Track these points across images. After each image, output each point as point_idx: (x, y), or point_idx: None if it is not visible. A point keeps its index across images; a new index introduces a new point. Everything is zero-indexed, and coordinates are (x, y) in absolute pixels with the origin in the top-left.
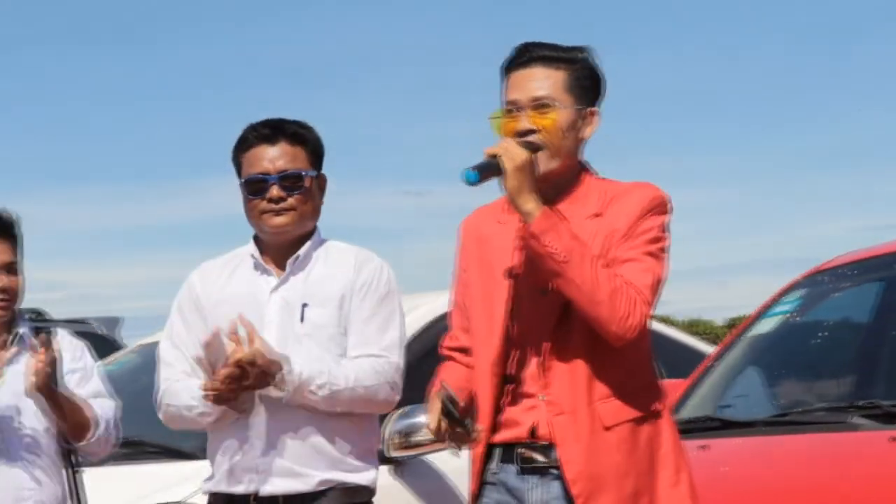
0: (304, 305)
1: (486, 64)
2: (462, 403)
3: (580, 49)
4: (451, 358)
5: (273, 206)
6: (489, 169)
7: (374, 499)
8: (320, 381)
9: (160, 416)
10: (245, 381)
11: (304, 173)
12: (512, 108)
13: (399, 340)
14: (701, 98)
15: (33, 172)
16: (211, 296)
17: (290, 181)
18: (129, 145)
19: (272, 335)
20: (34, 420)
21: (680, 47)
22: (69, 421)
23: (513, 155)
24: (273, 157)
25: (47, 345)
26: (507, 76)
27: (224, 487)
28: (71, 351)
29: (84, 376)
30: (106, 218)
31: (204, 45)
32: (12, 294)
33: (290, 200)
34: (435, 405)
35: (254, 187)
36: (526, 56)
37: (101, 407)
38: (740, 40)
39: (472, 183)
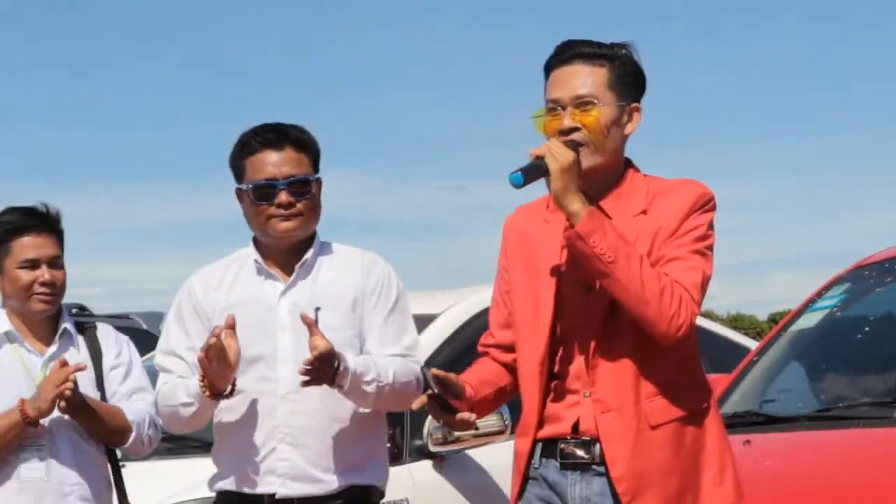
0: (318, 309)
1: (522, 61)
2: (450, 381)
3: (622, 45)
4: (487, 354)
5: (282, 211)
6: (535, 171)
7: (419, 493)
8: (371, 377)
9: (164, 423)
10: (317, 374)
11: (311, 178)
12: (554, 107)
13: (417, 340)
14: (740, 90)
15: (77, 169)
16: (216, 302)
17: (297, 187)
18: (171, 142)
19: (287, 340)
20: None
21: (724, 37)
22: (102, 429)
23: (558, 155)
24: (279, 162)
25: (65, 364)
26: (549, 74)
27: (239, 487)
28: (114, 346)
29: (126, 371)
30: (148, 214)
31: (245, 41)
32: (58, 288)
33: (299, 206)
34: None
35: (262, 192)
36: (568, 53)
37: (134, 411)
38: (786, 32)
39: (518, 186)
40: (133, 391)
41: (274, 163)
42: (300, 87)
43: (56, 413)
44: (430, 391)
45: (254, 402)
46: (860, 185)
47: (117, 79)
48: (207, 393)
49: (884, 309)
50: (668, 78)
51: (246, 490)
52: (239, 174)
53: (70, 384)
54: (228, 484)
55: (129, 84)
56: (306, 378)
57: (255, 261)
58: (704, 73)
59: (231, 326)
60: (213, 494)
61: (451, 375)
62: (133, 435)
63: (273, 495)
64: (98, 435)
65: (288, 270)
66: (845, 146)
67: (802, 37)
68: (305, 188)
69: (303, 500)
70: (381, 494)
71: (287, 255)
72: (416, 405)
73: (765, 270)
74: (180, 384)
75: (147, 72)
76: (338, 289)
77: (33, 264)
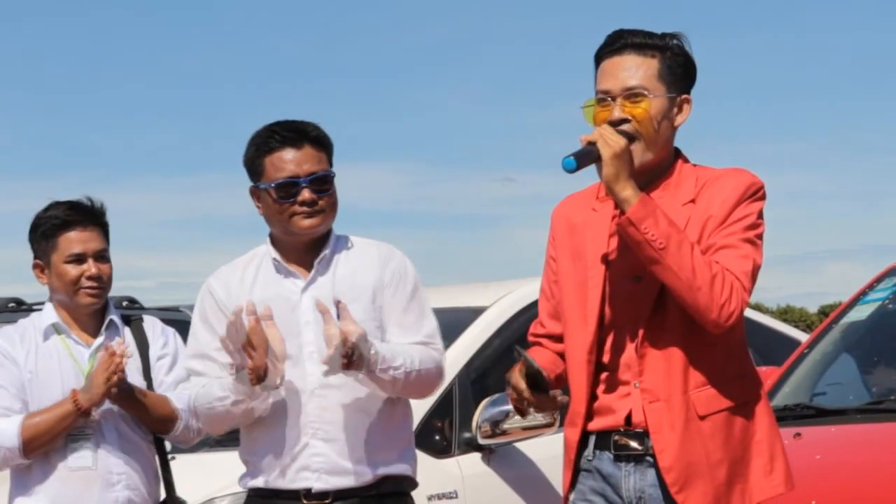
0: (338, 303)
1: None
2: (545, 373)
3: (672, 35)
4: (538, 344)
5: (305, 208)
6: (587, 156)
7: (467, 486)
8: (399, 362)
9: (200, 425)
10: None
11: (330, 175)
12: (604, 97)
13: (436, 328)
14: (795, 79)
15: (125, 163)
16: (239, 300)
17: (319, 184)
18: (215, 135)
19: (311, 336)
20: None
21: (779, 27)
22: (150, 417)
23: (610, 142)
24: (300, 160)
25: (111, 353)
26: (600, 64)
27: (273, 484)
28: (160, 337)
29: (172, 362)
30: (196, 207)
31: (299, 35)
32: (105, 281)
33: (321, 202)
34: (516, 375)
35: (285, 191)
36: (619, 43)
37: (181, 400)
38: (833, 19)
39: (571, 170)
40: (179, 381)
41: (296, 161)
42: (355, 79)
43: (103, 406)
44: (526, 371)
45: (282, 400)
46: None
47: (168, 76)
48: (253, 379)
49: None
50: (728, 62)
51: (281, 486)
52: (257, 172)
53: (120, 372)
54: (261, 482)
55: (181, 77)
56: (345, 361)
57: (274, 259)
58: (764, 58)
59: (252, 312)
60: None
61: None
62: (181, 424)
63: (310, 490)
64: (146, 423)
65: (307, 267)
66: None
67: (862, 30)
68: (326, 185)
69: (339, 493)
70: (414, 483)
71: (305, 251)
72: (517, 392)
73: (816, 262)
74: (214, 383)
75: (194, 67)
76: (358, 281)
77: (80, 259)
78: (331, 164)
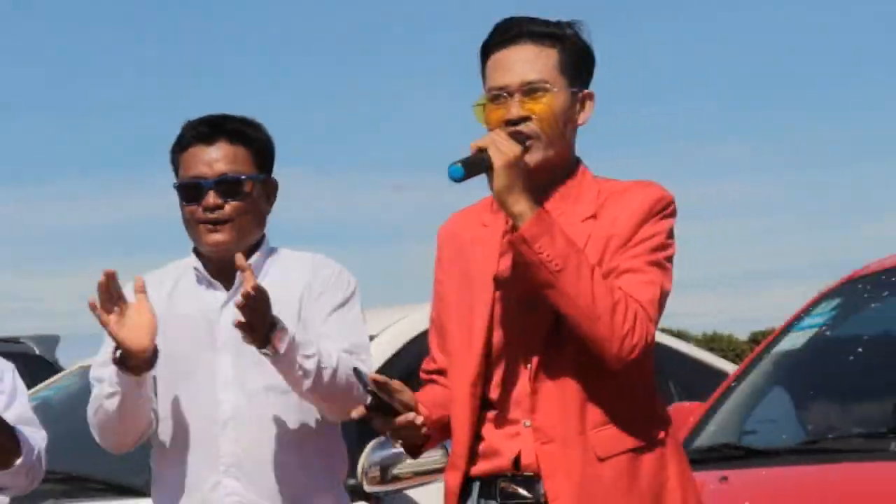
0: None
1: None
2: (393, 388)
3: (569, 24)
4: (431, 381)
5: (209, 214)
6: (476, 164)
7: None
8: (310, 351)
9: (96, 438)
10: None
11: (243, 177)
12: (499, 94)
13: (367, 344)
14: (718, 77)
15: None
16: (157, 312)
17: (227, 186)
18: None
19: (227, 357)
20: None
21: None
22: None
23: (503, 149)
24: (211, 159)
25: None
26: (489, 56)
27: None
28: None
29: (8, 401)
30: (53, 219)
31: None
32: None
33: (227, 209)
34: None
35: (188, 192)
36: (513, 31)
37: (31, 438)
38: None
39: (457, 179)
40: (21, 420)
41: (205, 160)
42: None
43: None
44: (370, 399)
45: (192, 430)
46: (864, 187)
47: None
48: (118, 355)
49: (880, 327)
50: (628, 58)
51: None
52: (175, 171)
53: None
54: None
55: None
56: (242, 320)
57: (195, 269)
58: (670, 53)
59: (141, 290)
60: None
61: (396, 382)
62: (26, 456)
63: None
64: None
65: (231, 278)
66: (848, 140)
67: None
68: (237, 188)
69: None
70: None
71: (229, 262)
72: (355, 414)
73: (747, 284)
74: (106, 380)
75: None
76: (283, 294)
77: None
78: (259, 167)
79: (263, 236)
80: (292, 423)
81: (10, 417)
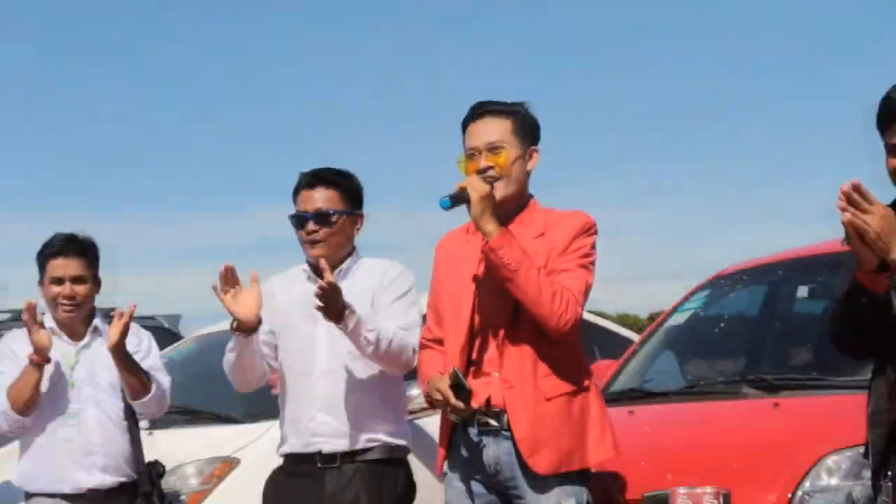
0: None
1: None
2: (470, 389)
3: (520, 104)
4: (428, 346)
5: (309, 237)
6: (459, 198)
7: None
8: (371, 326)
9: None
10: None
11: (332, 212)
12: (472, 153)
13: (416, 323)
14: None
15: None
16: (280, 299)
17: (321, 217)
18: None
19: (323, 329)
20: (106, 391)
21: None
22: (133, 378)
23: (478, 187)
24: (311, 199)
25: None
26: (466, 128)
27: (292, 449)
28: (134, 337)
29: (144, 356)
30: (177, 240)
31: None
32: (78, 300)
33: (321, 233)
34: (444, 381)
35: (296, 222)
36: (481, 110)
37: (161, 379)
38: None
39: (445, 208)
40: (150, 370)
41: (308, 200)
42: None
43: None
44: (453, 383)
45: (299, 379)
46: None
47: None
48: (235, 325)
49: (735, 309)
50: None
51: (299, 451)
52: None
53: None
54: (288, 448)
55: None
56: (319, 304)
57: (304, 270)
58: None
59: (255, 280)
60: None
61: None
62: (155, 390)
63: (320, 452)
64: (127, 382)
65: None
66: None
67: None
68: (327, 219)
69: (344, 455)
70: (407, 450)
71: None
72: (453, 418)
73: (647, 279)
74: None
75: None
76: (363, 288)
77: (59, 281)
78: (348, 204)
79: (354, 248)
80: (364, 376)
81: (145, 366)
